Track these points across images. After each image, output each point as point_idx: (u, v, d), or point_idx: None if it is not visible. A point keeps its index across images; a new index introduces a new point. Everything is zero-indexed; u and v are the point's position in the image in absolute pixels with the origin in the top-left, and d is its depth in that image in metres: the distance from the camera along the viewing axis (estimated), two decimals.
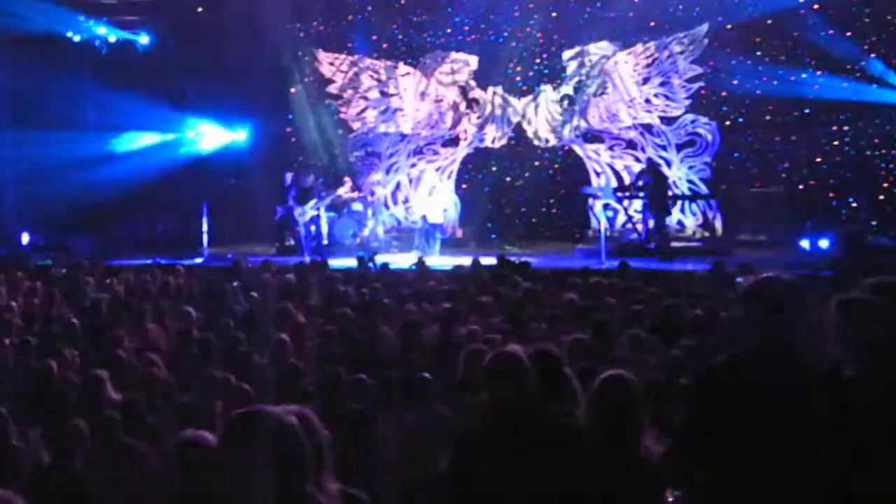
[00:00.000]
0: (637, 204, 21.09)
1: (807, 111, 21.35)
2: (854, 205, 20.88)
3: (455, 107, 24.51)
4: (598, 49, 23.38)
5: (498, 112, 24.20)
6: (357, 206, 23.33)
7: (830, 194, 21.28)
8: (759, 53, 21.64)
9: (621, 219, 22.14)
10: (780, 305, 4.18)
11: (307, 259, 19.10)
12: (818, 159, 21.39)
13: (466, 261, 16.70)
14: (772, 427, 3.98)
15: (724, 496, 4.21)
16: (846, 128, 21.22)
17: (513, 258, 17.10)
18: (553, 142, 23.88)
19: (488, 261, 17.19)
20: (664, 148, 22.84)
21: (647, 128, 23.08)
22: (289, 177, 22.28)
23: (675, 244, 20.88)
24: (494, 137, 24.27)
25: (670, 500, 5.08)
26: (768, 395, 4.03)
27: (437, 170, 24.58)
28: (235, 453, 3.04)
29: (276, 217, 22.27)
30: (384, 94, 25.06)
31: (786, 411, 3.98)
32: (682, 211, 22.55)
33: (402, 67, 24.85)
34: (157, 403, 8.12)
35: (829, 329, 4.46)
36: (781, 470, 3.96)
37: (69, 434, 6.67)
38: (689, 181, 22.62)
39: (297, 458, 3.04)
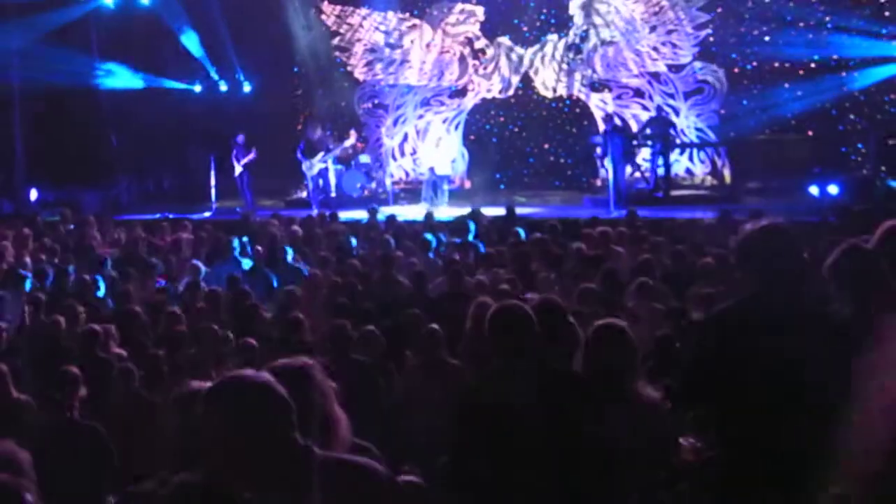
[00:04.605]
0: (645, 152, 21.01)
1: (816, 57, 21.15)
2: (863, 150, 20.75)
3: (462, 58, 24.37)
4: None
5: (504, 62, 24.06)
6: (365, 159, 23.28)
7: (840, 140, 21.13)
8: (767, 1, 21.45)
9: (629, 167, 22.02)
10: (774, 252, 4.25)
11: (315, 212, 19.10)
12: (827, 105, 21.22)
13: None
14: (775, 366, 4.09)
15: (732, 435, 4.34)
16: (856, 74, 21.03)
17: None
18: (560, 91, 23.75)
19: (497, 211, 17.18)
20: (672, 96, 22.69)
21: (655, 76, 22.92)
22: (241, 138, 21.71)
23: (683, 192, 20.84)
24: (501, 88, 24.15)
25: (684, 444, 5.11)
26: (772, 337, 4.13)
27: (445, 121, 24.50)
28: (217, 420, 3.07)
29: (237, 175, 21.77)
30: (390, 46, 24.92)
31: (788, 350, 4.07)
32: (691, 159, 22.46)
33: (409, 19, 24.70)
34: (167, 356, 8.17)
35: (830, 273, 4.61)
36: (784, 407, 4.06)
37: (69, 385, 6.74)
38: (698, 129, 22.49)
39: (276, 415, 3.06)
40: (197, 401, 3.90)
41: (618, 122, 21.10)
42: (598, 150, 21.58)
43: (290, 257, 12.89)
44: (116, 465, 6.31)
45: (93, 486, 6.07)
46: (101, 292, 11.45)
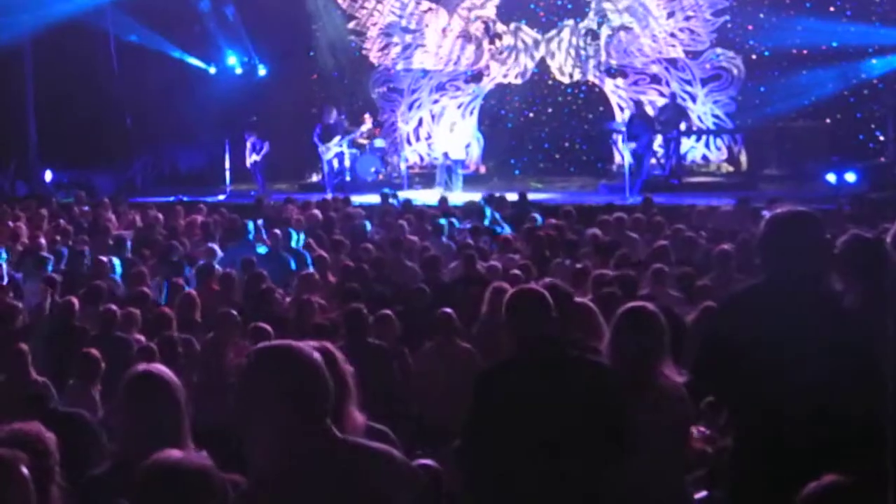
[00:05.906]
0: (659, 139, 20.89)
1: (834, 44, 20.99)
2: (881, 138, 20.62)
3: (478, 42, 24.27)
4: None
5: (521, 47, 23.95)
6: (380, 143, 23.25)
7: (857, 128, 20.99)
8: None
9: None
10: (797, 238, 4.22)
11: (330, 195, 19.10)
12: (845, 92, 21.07)
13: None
14: (786, 352, 4.06)
15: (743, 422, 4.36)
16: (874, 61, 20.86)
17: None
18: (576, 77, 23.64)
19: (511, 196, 17.14)
20: (689, 82, 22.56)
21: (672, 62, 22.78)
22: (251, 136, 21.73)
23: (699, 179, 20.76)
24: (518, 73, 24.05)
25: (695, 433, 5.09)
26: (784, 323, 4.12)
27: (460, 106, 24.42)
28: (257, 386, 3.06)
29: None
30: (406, 31, 24.84)
31: (800, 337, 4.05)
32: (707, 146, 22.36)
33: (425, 3, 24.61)
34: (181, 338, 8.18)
35: (837, 262, 4.61)
36: (791, 392, 4.03)
37: (85, 366, 6.75)
38: (715, 115, 22.37)
39: (316, 393, 3.05)
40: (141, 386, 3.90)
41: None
42: (614, 136, 21.50)
43: (293, 242, 12.86)
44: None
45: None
46: (118, 273, 11.47)
